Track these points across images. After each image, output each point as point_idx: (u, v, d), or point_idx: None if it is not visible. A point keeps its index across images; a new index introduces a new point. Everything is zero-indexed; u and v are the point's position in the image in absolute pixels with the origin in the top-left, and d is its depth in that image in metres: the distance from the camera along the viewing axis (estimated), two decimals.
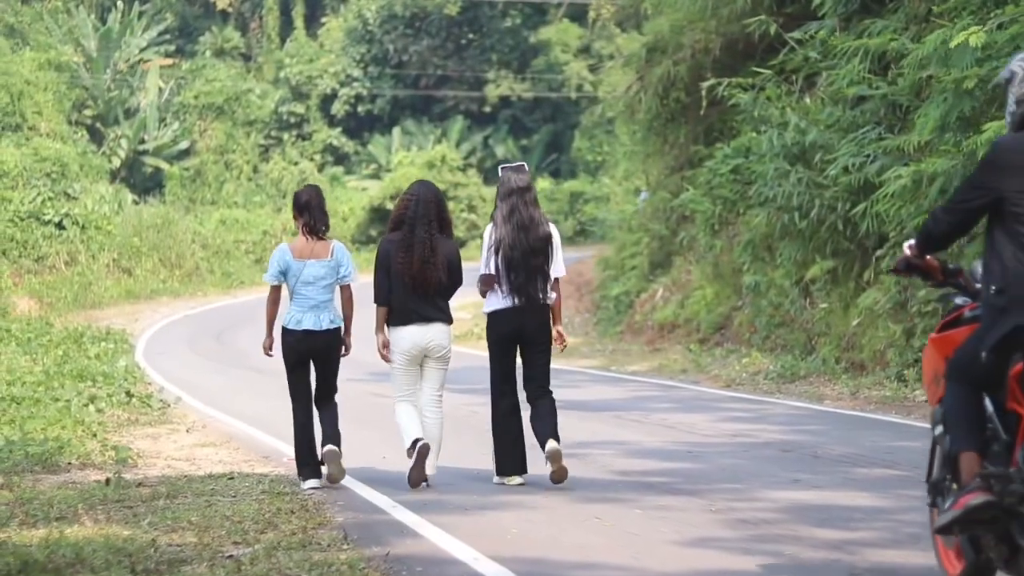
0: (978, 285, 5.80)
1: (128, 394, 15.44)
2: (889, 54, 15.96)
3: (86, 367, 17.94)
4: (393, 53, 53.30)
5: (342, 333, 9.59)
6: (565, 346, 9.63)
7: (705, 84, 20.68)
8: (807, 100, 18.49)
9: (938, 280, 5.98)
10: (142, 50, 51.35)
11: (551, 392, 9.43)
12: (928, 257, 5.90)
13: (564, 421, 12.08)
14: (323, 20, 55.84)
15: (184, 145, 49.78)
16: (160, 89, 50.19)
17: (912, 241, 5.90)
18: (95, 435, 12.45)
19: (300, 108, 52.79)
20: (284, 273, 9.55)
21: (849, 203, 16.16)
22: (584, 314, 27.97)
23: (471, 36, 53.94)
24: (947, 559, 6.00)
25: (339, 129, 53.42)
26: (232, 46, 55.60)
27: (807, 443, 11.32)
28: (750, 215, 19.18)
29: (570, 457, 10.35)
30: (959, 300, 6.02)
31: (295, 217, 9.66)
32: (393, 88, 53.72)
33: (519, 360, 9.49)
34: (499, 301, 9.38)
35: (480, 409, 12.02)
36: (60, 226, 34.87)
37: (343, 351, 9.63)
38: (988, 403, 5.58)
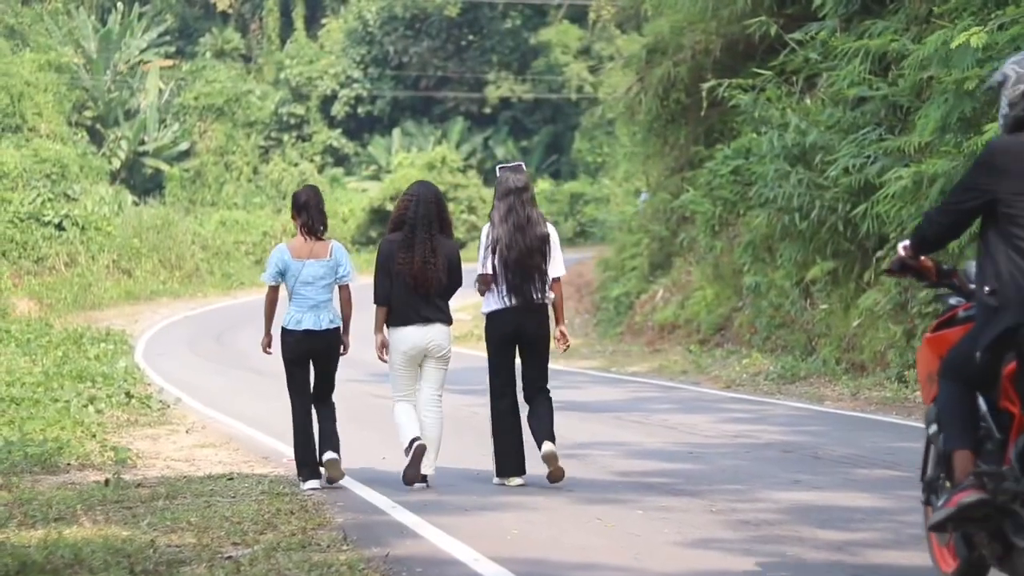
0: (972, 286, 5.85)
1: (128, 395, 15.42)
2: (890, 55, 15.95)
3: (86, 368, 17.92)
4: (393, 54, 53.29)
5: (341, 333, 9.60)
6: (568, 347, 9.62)
7: (705, 85, 20.66)
8: (807, 101, 18.47)
9: (933, 281, 6.03)
10: (142, 51, 51.35)
11: (548, 391, 9.43)
12: (922, 258, 5.94)
13: (564, 422, 12.07)
14: (323, 21, 55.83)
15: (184, 146, 49.78)
16: (160, 90, 50.20)
17: (907, 242, 5.95)
18: (94, 436, 12.43)
19: (300, 109, 52.79)
20: (282, 273, 9.55)
21: (849, 204, 16.14)
22: (584, 315, 27.95)
23: (471, 37, 53.94)
24: (941, 557, 6.05)
25: (339, 130, 53.42)
26: (232, 47, 55.60)
27: (808, 444, 11.30)
28: (750, 216, 19.17)
29: (570, 458, 10.34)
30: (953, 300, 6.08)
31: (293, 217, 9.67)
32: (393, 89, 53.72)
33: (518, 360, 9.49)
34: (497, 301, 9.38)
35: (480, 410, 12.01)
36: (60, 227, 34.88)
37: (342, 351, 9.63)
38: (982, 402, 5.63)
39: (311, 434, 9.50)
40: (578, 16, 53.18)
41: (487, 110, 53.84)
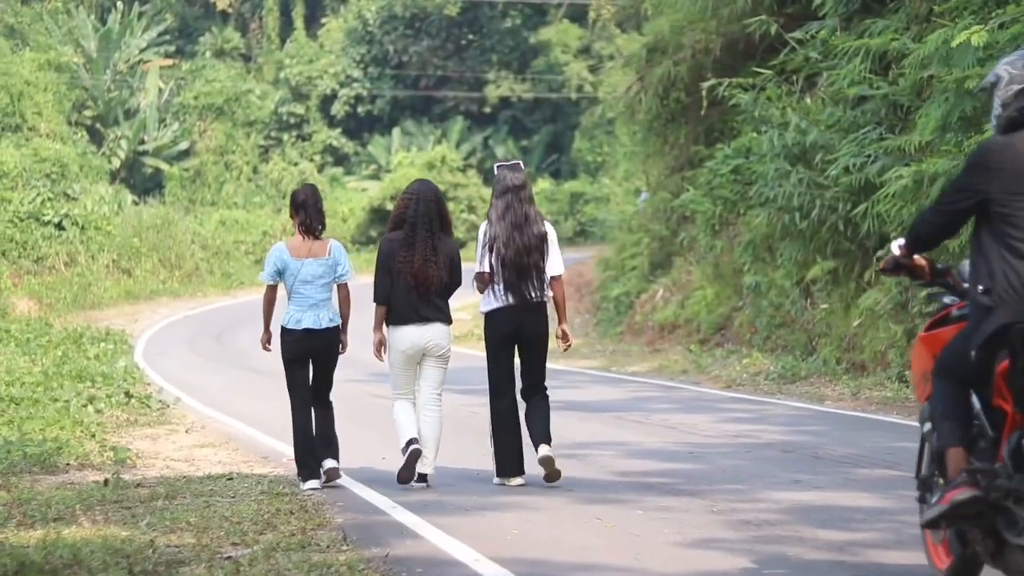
0: (966, 285, 5.90)
1: (127, 395, 15.41)
2: (890, 54, 15.93)
3: (85, 368, 17.91)
4: (393, 54, 53.27)
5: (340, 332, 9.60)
6: (569, 346, 9.61)
7: (705, 84, 20.65)
8: (808, 100, 18.46)
9: (927, 280, 6.08)
10: (142, 51, 51.33)
11: (546, 390, 9.43)
12: (916, 257, 6.00)
13: (564, 422, 12.06)
14: (323, 21, 55.81)
15: (184, 146, 49.76)
16: (160, 90, 50.17)
17: (901, 241, 6.00)
18: (94, 436, 12.42)
19: (300, 109, 52.77)
20: (281, 272, 9.54)
21: (850, 203, 16.13)
22: (584, 315, 27.94)
23: (471, 37, 53.92)
24: (935, 554, 6.12)
25: (339, 130, 53.40)
26: (232, 47, 55.58)
27: (808, 444, 11.29)
28: (751, 215, 19.15)
29: (570, 458, 10.34)
30: (947, 299, 6.15)
31: (292, 216, 9.68)
32: (393, 89, 53.70)
33: (517, 359, 9.48)
34: (495, 300, 9.38)
35: (480, 410, 11.99)
36: (60, 227, 34.87)
37: (340, 350, 9.63)
38: (975, 400, 5.69)
39: (311, 434, 9.50)
40: (578, 15, 53.17)
41: (487, 109, 53.82)
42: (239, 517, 8.29)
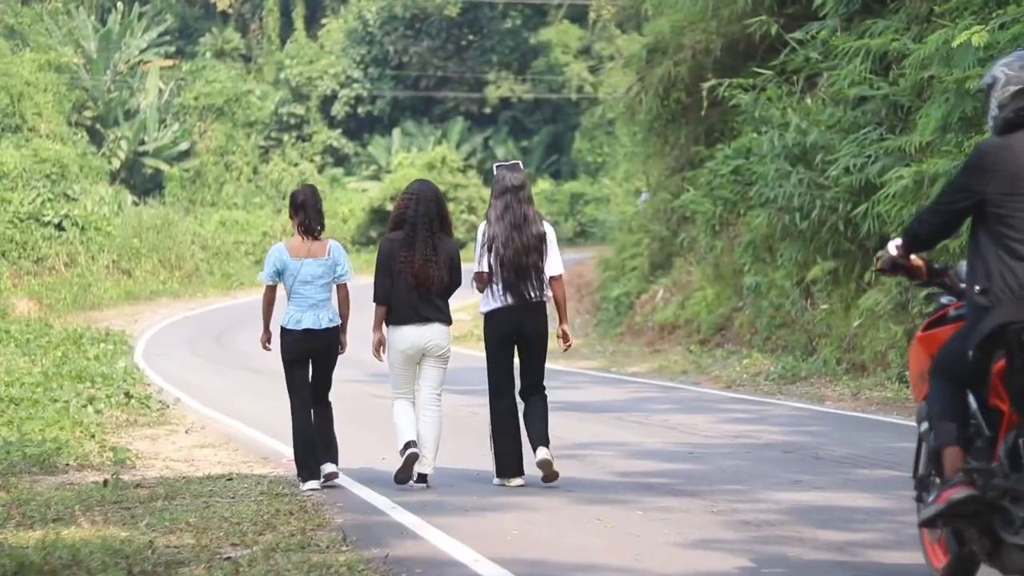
0: (963, 285, 5.93)
1: (127, 395, 15.40)
2: (890, 54, 15.92)
3: (85, 368, 17.90)
4: (393, 54, 53.26)
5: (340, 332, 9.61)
6: (569, 346, 9.61)
7: (706, 85, 20.64)
8: (808, 101, 18.45)
9: (924, 280, 6.11)
10: (142, 51, 51.32)
11: (544, 389, 9.43)
12: (913, 257, 6.03)
13: (564, 422, 12.06)
14: (323, 21, 55.80)
15: (184, 146, 49.76)
16: (160, 90, 50.17)
17: (898, 241, 6.03)
18: (93, 436, 12.41)
19: (300, 109, 52.76)
20: (280, 273, 9.54)
21: (850, 204, 16.12)
22: (584, 315, 27.93)
23: (471, 37, 53.90)
24: (932, 552, 6.16)
25: (339, 130, 53.38)
26: (232, 47, 55.57)
27: (808, 444, 11.28)
28: (751, 216, 19.14)
29: (570, 458, 10.33)
30: (944, 299, 6.19)
31: (291, 216, 9.68)
32: (393, 89, 53.69)
33: (517, 360, 9.48)
34: (495, 300, 9.38)
35: (480, 410, 11.98)
36: (60, 227, 34.86)
37: (340, 350, 9.63)
38: (972, 400, 5.73)
39: (311, 435, 9.49)
40: (578, 16, 53.16)
41: (487, 110, 53.80)
42: (239, 518, 8.28)
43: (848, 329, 16.47)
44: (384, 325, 9.46)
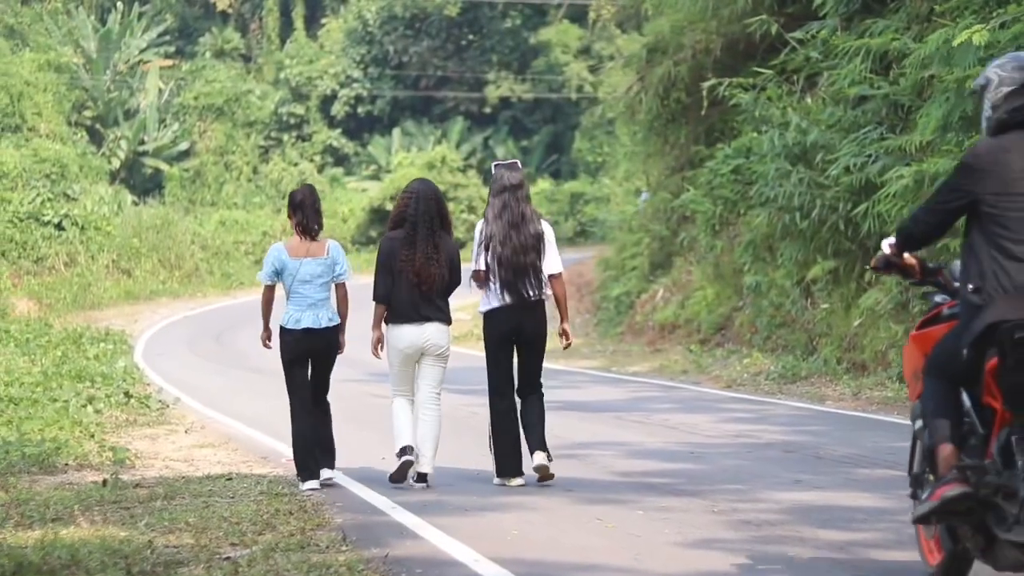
0: (957, 283, 5.98)
1: (127, 395, 15.38)
2: (891, 54, 15.91)
3: (85, 368, 17.88)
4: (393, 54, 53.25)
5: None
6: (569, 344, 9.61)
7: (706, 84, 20.63)
8: (808, 100, 18.44)
9: (917, 278, 6.16)
10: (142, 51, 51.30)
11: (541, 387, 9.43)
12: (907, 255, 6.07)
13: (565, 422, 12.05)
14: (323, 21, 55.77)
15: (184, 146, 49.74)
16: (160, 90, 50.15)
17: (892, 239, 6.07)
18: (93, 436, 12.39)
19: (300, 109, 52.74)
20: (279, 272, 9.52)
21: (850, 203, 16.11)
22: (584, 315, 27.92)
23: (471, 37, 53.89)
24: (928, 550, 6.21)
25: (339, 130, 53.37)
26: (232, 47, 55.55)
27: (809, 444, 11.27)
28: (751, 215, 19.13)
29: (571, 458, 10.32)
30: (939, 298, 6.23)
31: (289, 216, 9.67)
32: (393, 89, 53.67)
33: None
34: (493, 300, 9.37)
35: (480, 410, 11.97)
36: (59, 227, 34.85)
37: (338, 350, 9.62)
38: (965, 398, 5.77)
39: (310, 435, 9.47)
40: (578, 16, 53.14)
41: (487, 110, 53.79)
42: (238, 517, 8.26)
43: (848, 328, 16.46)
44: (384, 323, 9.45)
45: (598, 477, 9.77)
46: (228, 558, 7.12)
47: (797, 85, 18.75)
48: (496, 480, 9.39)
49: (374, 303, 9.46)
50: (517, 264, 9.30)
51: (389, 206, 40.65)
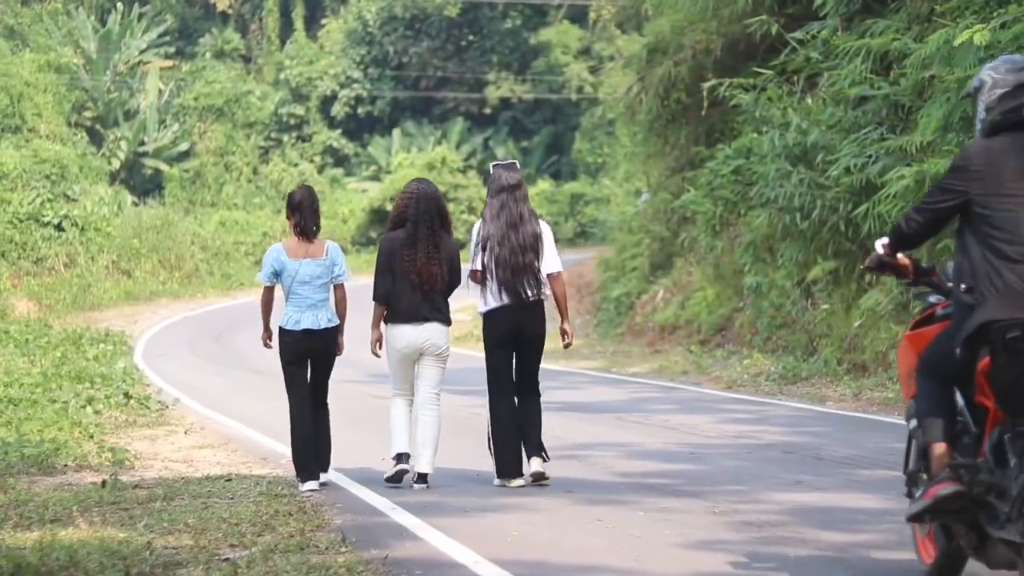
0: (950, 284, 6.03)
1: (126, 396, 15.37)
2: (891, 54, 15.90)
3: (84, 368, 17.86)
4: (393, 55, 53.24)
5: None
6: (570, 343, 9.60)
7: (706, 85, 20.62)
8: (809, 100, 18.43)
9: (911, 278, 6.21)
10: (142, 52, 51.29)
11: (539, 386, 9.44)
12: (900, 255, 6.12)
13: (565, 423, 12.03)
14: (323, 22, 55.76)
15: (184, 147, 49.73)
16: (160, 91, 50.15)
17: (885, 240, 6.12)
18: (92, 437, 12.38)
19: (300, 110, 52.73)
20: (278, 273, 9.51)
21: (851, 204, 16.10)
22: (585, 316, 27.90)
23: (471, 38, 53.88)
24: (923, 548, 6.31)
25: (339, 131, 53.35)
26: (232, 48, 55.54)
27: (810, 445, 11.25)
28: (751, 216, 19.12)
29: (571, 459, 10.32)
30: (933, 298, 6.29)
31: (288, 217, 9.67)
32: (393, 90, 53.66)
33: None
34: (492, 300, 9.36)
35: (480, 410, 11.94)
36: (59, 228, 34.84)
37: (337, 351, 9.61)
38: (959, 397, 5.85)
39: (310, 436, 9.46)
40: (578, 16, 53.14)
41: (487, 110, 53.77)
42: (237, 518, 8.25)
43: (849, 329, 16.45)
44: (383, 323, 9.44)
45: (598, 478, 9.76)
46: (227, 559, 7.10)
47: (797, 85, 18.73)
48: (496, 481, 9.38)
49: (374, 303, 9.44)
50: (515, 264, 9.29)
51: (389, 207, 40.58)
